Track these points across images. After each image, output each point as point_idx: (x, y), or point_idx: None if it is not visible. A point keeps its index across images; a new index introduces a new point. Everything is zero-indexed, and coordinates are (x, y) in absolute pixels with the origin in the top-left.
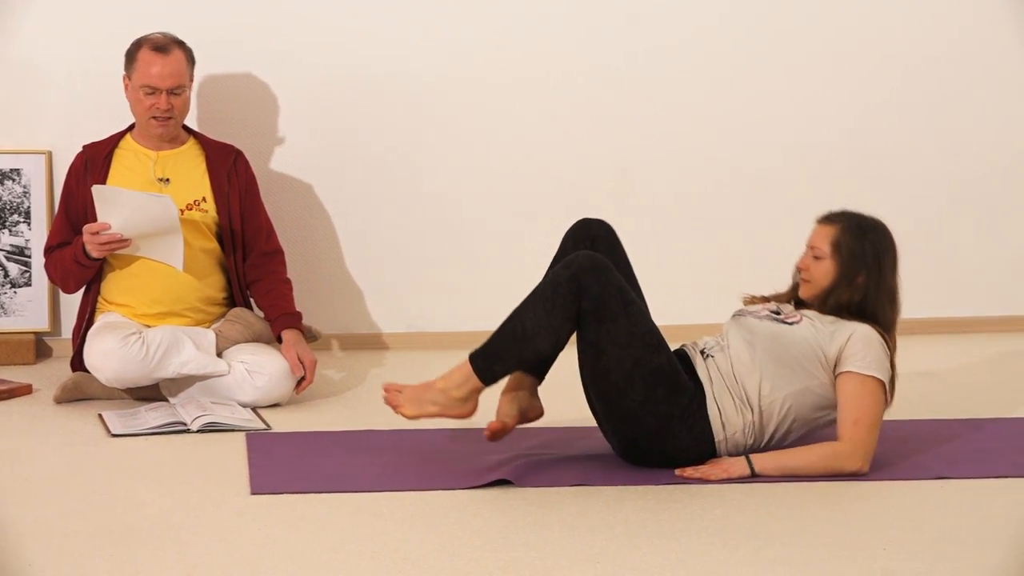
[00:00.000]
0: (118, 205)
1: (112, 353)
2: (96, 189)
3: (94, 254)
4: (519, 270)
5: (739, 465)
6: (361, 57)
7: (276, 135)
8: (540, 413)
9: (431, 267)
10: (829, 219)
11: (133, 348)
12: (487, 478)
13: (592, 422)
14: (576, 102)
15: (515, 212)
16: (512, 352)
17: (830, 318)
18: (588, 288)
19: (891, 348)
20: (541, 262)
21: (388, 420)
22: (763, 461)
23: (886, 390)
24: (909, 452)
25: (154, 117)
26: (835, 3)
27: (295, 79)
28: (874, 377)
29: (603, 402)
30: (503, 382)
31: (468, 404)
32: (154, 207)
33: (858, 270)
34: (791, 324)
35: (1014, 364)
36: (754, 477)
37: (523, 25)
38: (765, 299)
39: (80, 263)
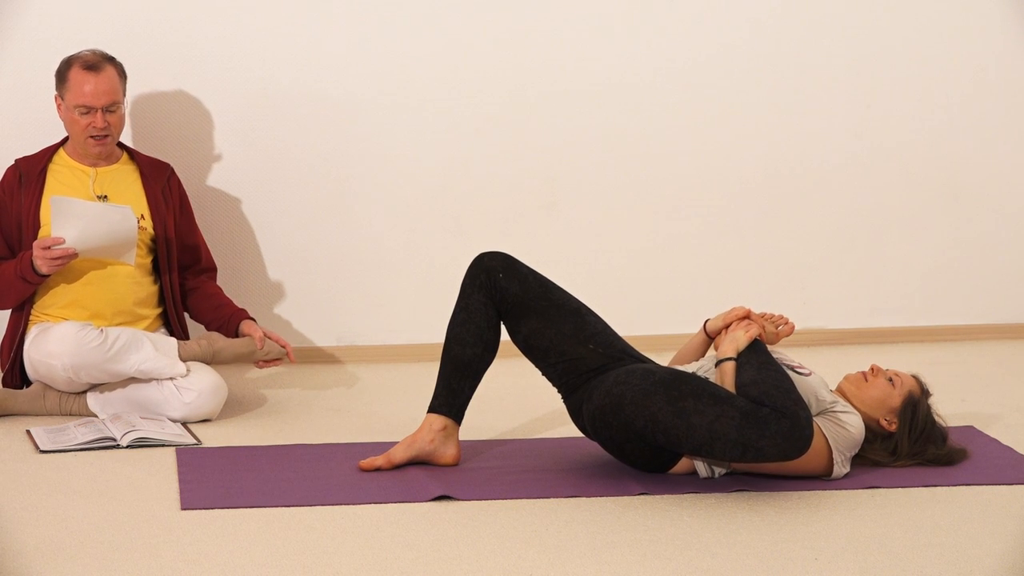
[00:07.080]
0: (75, 217)
1: (69, 336)
2: (54, 200)
3: (44, 270)
4: (447, 284)
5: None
6: (289, 72)
7: (204, 150)
8: (453, 460)
9: (361, 280)
10: (919, 380)
11: (91, 334)
12: (426, 494)
13: (535, 434)
14: (506, 118)
15: (443, 226)
16: None
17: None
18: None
19: (862, 451)
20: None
21: (318, 434)
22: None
23: (829, 464)
24: None
25: (92, 136)
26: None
27: (223, 94)
28: (830, 448)
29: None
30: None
31: None
32: (113, 217)
33: (901, 438)
34: (801, 374)
35: (941, 373)
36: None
37: (450, 41)
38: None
39: (26, 279)
